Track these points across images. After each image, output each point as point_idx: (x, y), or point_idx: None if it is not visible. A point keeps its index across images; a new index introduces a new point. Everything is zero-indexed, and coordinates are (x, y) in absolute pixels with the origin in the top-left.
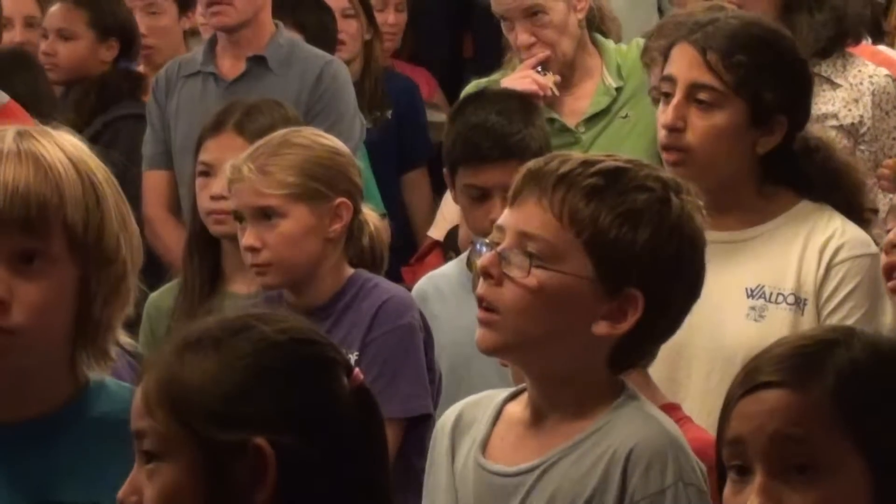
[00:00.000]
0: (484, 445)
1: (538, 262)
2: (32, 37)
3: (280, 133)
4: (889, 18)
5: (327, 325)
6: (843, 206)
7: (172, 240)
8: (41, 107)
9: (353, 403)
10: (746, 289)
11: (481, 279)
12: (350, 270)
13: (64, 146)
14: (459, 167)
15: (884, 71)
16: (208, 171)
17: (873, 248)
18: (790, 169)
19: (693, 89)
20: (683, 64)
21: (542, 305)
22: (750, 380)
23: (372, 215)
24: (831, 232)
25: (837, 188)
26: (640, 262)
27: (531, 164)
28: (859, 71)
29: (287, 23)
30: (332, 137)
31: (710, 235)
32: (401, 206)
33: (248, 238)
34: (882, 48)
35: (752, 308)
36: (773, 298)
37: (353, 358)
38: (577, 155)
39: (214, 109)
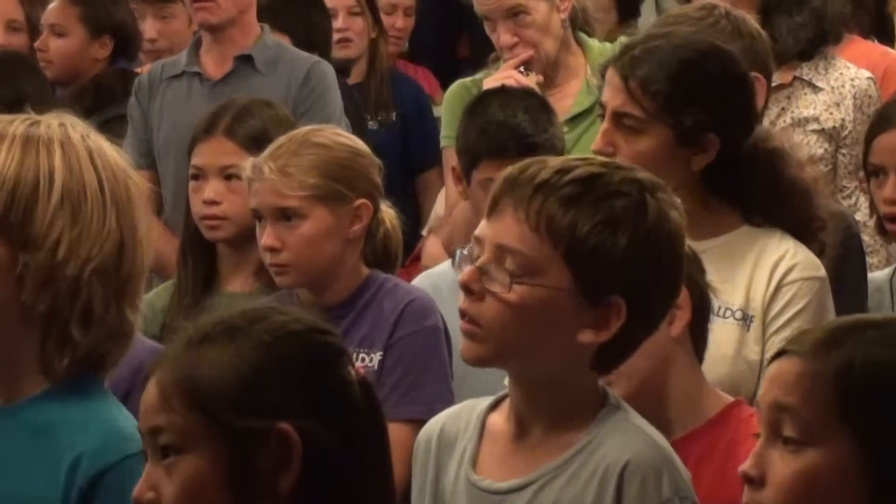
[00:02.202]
0: (473, 461)
1: (518, 279)
2: (15, 40)
3: (301, 132)
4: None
5: (345, 324)
6: (788, 223)
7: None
8: (45, 107)
9: (360, 392)
10: None
11: (462, 293)
12: (366, 270)
13: (51, 130)
14: (482, 162)
15: (865, 74)
16: (199, 175)
17: (822, 272)
18: (731, 183)
19: (617, 116)
20: (609, 91)
21: (524, 319)
22: (782, 347)
23: (389, 213)
24: (783, 252)
25: (781, 205)
26: (619, 269)
27: (507, 172)
28: (841, 74)
29: (272, 26)
30: (353, 137)
31: None
32: (409, 207)
33: (267, 238)
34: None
35: None
36: (720, 313)
37: (377, 358)
38: (552, 161)
39: (200, 109)
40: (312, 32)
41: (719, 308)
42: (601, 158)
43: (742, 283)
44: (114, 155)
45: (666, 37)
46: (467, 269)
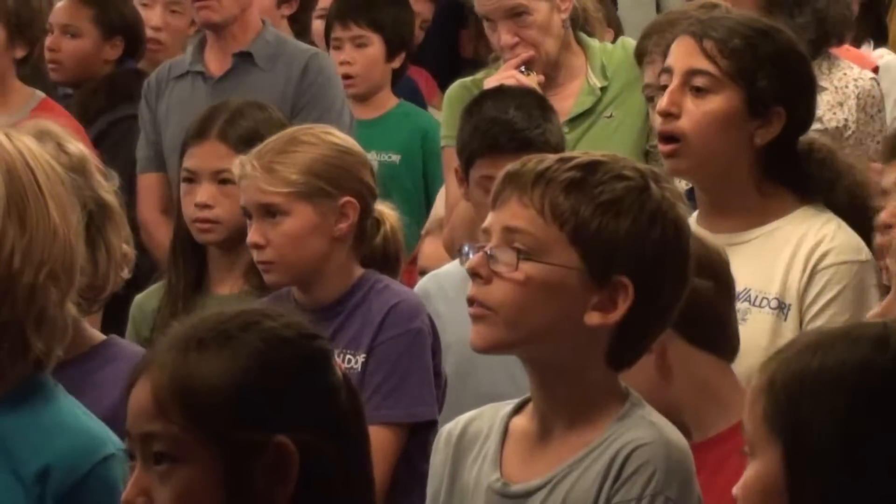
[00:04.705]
0: (497, 464)
1: (525, 256)
2: None
3: (289, 131)
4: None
5: (335, 325)
6: (844, 205)
7: (167, 242)
8: None
9: (346, 395)
10: None
11: (471, 281)
12: (360, 270)
13: None
14: (477, 159)
15: (868, 74)
16: (192, 178)
17: (863, 255)
18: (791, 167)
19: (689, 76)
20: (681, 53)
21: (532, 298)
22: None
23: (390, 214)
24: (821, 237)
25: (837, 186)
26: (625, 249)
27: (509, 167)
28: (844, 74)
29: (362, 24)
30: (345, 136)
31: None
32: None
33: (252, 235)
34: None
35: (736, 310)
36: (757, 302)
37: (360, 360)
38: (553, 155)
39: (202, 108)
40: (401, 30)
41: (755, 297)
42: (603, 152)
43: (780, 271)
44: (38, 149)
45: (723, 10)
46: (475, 255)
